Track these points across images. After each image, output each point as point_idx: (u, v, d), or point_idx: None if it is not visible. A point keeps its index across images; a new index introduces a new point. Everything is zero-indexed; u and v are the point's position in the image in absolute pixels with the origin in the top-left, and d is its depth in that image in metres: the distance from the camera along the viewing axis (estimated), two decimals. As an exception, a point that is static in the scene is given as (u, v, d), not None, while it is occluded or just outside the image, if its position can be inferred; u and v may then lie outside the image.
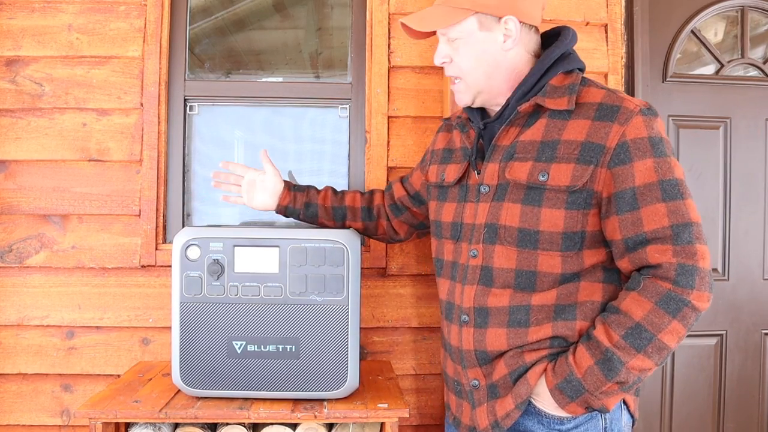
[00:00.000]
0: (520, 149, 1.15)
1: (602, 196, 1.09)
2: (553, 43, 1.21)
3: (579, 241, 1.11)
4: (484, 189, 1.19)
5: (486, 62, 1.18)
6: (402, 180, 1.56)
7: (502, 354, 1.16)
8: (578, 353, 1.09)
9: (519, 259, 1.13)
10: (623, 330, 1.05)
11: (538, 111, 1.17)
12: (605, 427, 1.14)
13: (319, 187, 1.57)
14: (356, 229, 1.57)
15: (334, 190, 1.57)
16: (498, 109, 1.23)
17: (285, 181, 1.53)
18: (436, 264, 1.35)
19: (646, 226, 1.05)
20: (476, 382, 1.20)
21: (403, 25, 1.25)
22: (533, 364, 1.13)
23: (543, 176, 1.11)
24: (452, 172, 1.29)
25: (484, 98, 1.23)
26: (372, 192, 1.60)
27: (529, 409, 1.14)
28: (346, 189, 1.62)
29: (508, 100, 1.20)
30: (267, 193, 1.51)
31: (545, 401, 1.13)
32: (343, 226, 1.55)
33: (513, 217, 1.13)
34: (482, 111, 1.28)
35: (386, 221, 1.57)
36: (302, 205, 1.51)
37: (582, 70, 1.20)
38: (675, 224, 1.04)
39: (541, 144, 1.13)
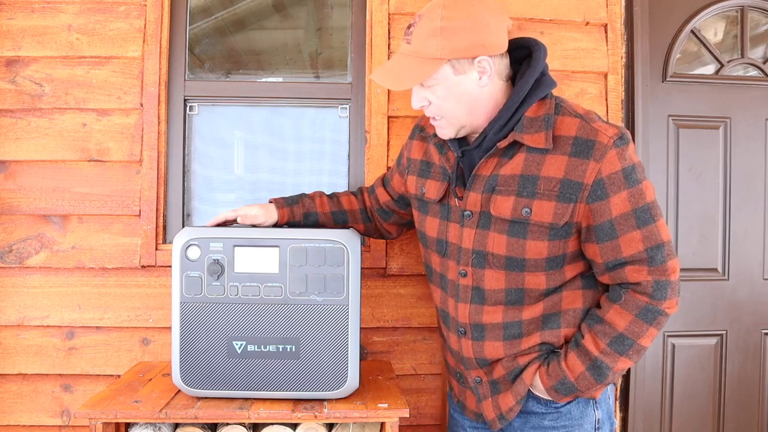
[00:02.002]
0: (501, 182, 1.20)
1: (582, 225, 1.18)
2: (522, 56, 1.24)
3: (561, 261, 1.22)
4: (468, 214, 1.25)
5: (465, 101, 1.20)
6: (384, 183, 1.59)
7: (499, 359, 1.29)
8: (570, 360, 1.22)
9: (507, 280, 1.23)
10: (608, 339, 1.18)
11: (515, 143, 1.20)
12: (594, 398, 1.28)
13: (308, 192, 1.59)
14: (358, 231, 1.58)
15: (327, 195, 1.59)
16: (474, 137, 1.27)
17: (273, 200, 1.53)
18: (426, 269, 1.43)
19: (624, 252, 1.15)
20: (479, 379, 1.33)
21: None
22: (526, 366, 1.27)
23: (526, 212, 1.18)
24: (432, 189, 1.34)
25: (467, 130, 1.25)
26: (361, 192, 1.63)
27: (528, 393, 1.28)
28: (336, 191, 1.63)
29: (485, 131, 1.22)
30: (262, 223, 1.49)
31: (540, 393, 1.27)
32: (345, 227, 1.56)
33: (500, 246, 1.21)
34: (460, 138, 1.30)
35: (378, 223, 1.61)
36: (301, 216, 1.53)
37: (554, 87, 1.22)
38: (649, 248, 1.14)
39: (522, 178, 1.19)
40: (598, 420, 1.29)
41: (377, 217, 1.60)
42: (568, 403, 1.27)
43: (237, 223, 1.48)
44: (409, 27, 1.21)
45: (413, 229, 1.60)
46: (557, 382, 1.22)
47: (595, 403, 1.28)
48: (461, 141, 1.30)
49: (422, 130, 1.44)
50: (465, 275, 1.27)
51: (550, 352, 1.26)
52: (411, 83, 1.19)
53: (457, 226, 1.27)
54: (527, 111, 1.19)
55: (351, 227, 1.57)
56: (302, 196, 1.57)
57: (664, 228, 1.16)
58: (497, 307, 1.25)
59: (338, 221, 1.57)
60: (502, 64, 1.22)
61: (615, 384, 1.35)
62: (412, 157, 1.44)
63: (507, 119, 1.20)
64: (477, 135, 1.26)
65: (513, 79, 1.25)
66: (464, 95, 1.19)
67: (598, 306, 1.25)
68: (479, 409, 1.35)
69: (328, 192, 1.61)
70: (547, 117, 1.18)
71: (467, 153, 1.27)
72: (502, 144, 1.19)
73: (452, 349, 1.36)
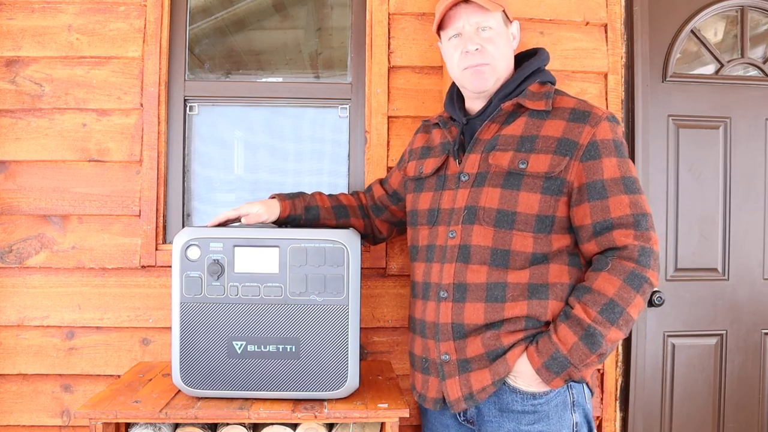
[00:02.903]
0: (502, 142, 1.30)
1: (573, 185, 1.25)
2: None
3: (549, 224, 1.26)
4: (464, 177, 1.32)
5: (508, 53, 1.37)
6: (381, 181, 1.65)
7: (477, 330, 1.26)
8: (561, 331, 1.21)
9: (495, 238, 1.26)
10: (599, 306, 1.19)
11: (517, 110, 1.33)
12: (572, 401, 1.27)
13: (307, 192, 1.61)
14: (357, 227, 1.60)
15: (325, 194, 1.62)
16: (479, 108, 1.38)
17: (275, 195, 1.54)
18: (411, 251, 1.44)
19: (612, 213, 1.22)
20: (447, 356, 1.29)
21: (452, 5, 1.33)
22: (511, 347, 1.25)
23: (523, 164, 1.26)
24: (430, 165, 1.41)
25: (497, 86, 1.36)
26: (357, 193, 1.67)
27: (503, 387, 1.26)
28: (333, 192, 1.65)
29: (490, 99, 1.36)
30: (263, 219, 1.51)
31: (526, 379, 1.24)
32: (345, 225, 1.57)
33: (492, 199, 1.27)
34: (463, 109, 1.42)
35: (371, 220, 1.64)
36: (302, 209, 1.54)
37: (553, 84, 1.38)
38: (635, 213, 1.22)
39: (521, 138, 1.29)
40: (576, 424, 1.27)
41: (371, 214, 1.63)
42: (548, 402, 1.24)
43: (240, 222, 1.48)
44: None
45: (404, 234, 1.62)
46: (548, 358, 1.20)
47: (574, 405, 1.26)
48: (465, 111, 1.42)
49: (426, 121, 1.54)
50: (454, 236, 1.30)
51: (536, 333, 1.25)
52: (485, 4, 1.31)
53: (452, 191, 1.33)
54: (530, 87, 1.34)
55: (351, 223, 1.59)
56: (302, 192, 1.58)
57: (647, 204, 1.25)
58: (482, 267, 1.26)
59: (339, 216, 1.58)
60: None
61: (592, 392, 1.32)
62: (414, 148, 1.53)
63: (512, 90, 1.34)
64: (481, 107, 1.37)
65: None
66: (507, 47, 1.36)
67: (583, 281, 1.26)
68: (440, 391, 1.31)
69: (326, 193, 1.63)
70: (548, 92, 1.33)
71: (471, 122, 1.38)
72: (506, 106, 1.31)
73: (426, 323, 1.33)
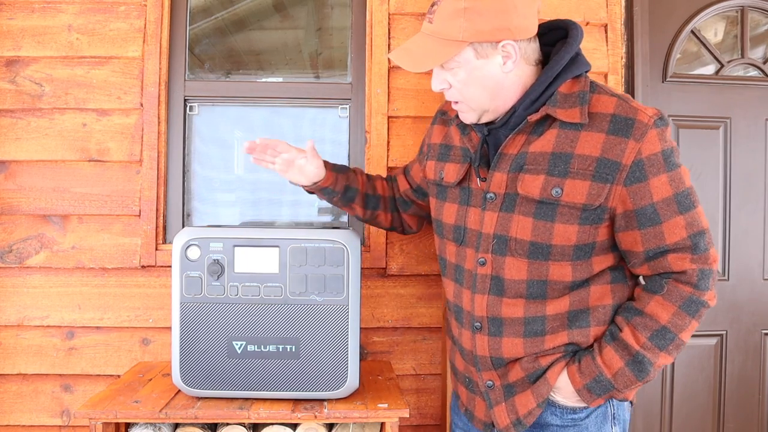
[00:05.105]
0: (530, 160, 1.13)
1: (617, 211, 1.11)
2: (556, 38, 1.19)
3: (589, 251, 1.13)
4: (491, 197, 1.17)
5: (488, 86, 1.14)
6: (405, 172, 1.52)
7: (517, 359, 1.19)
8: (606, 354, 1.13)
9: (530, 270, 1.14)
10: (649, 332, 1.10)
11: (546, 118, 1.14)
12: (613, 414, 1.20)
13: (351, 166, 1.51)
14: (382, 221, 1.52)
15: (366, 174, 1.50)
16: (503, 114, 1.18)
17: (325, 162, 1.41)
18: (440, 262, 1.34)
19: (667, 239, 1.09)
20: (491, 383, 1.22)
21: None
22: (550, 365, 1.17)
23: (556, 192, 1.10)
24: (452, 172, 1.26)
25: (490, 116, 1.18)
26: (390, 179, 1.55)
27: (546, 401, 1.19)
28: (370, 173, 1.55)
29: (514, 106, 1.16)
30: (304, 176, 1.38)
31: (565, 396, 1.17)
32: (372, 215, 1.49)
33: (524, 230, 1.13)
34: None
35: (399, 214, 1.54)
36: (342, 188, 1.42)
37: (588, 69, 1.17)
38: (692, 234, 1.09)
39: (553, 156, 1.11)
40: None
41: (399, 208, 1.53)
42: (587, 416, 1.18)
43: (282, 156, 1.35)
44: (432, 5, 1.13)
45: (426, 222, 1.55)
46: (591, 380, 1.12)
47: (614, 419, 1.20)
48: None
49: (444, 113, 1.37)
50: (484, 264, 1.17)
51: (575, 351, 1.17)
52: (429, 65, 1.13)
53: (478, 210, 1.19)
54: (561, 87, 1.13)
55: (377, 216, 1.50)
56: (348, 168, 1.46)
57: (704, 215, 1.11)
58: (518, 300, 1.15)
59: (368, 205, 1.47)
60: (530, 49, 1.15)
61: (632, 403, 1.25)
62: (432, 142, 1.38)
63: (539, 94, 1.13)
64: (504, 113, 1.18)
65: (545, 63, 1.18)
66: (486, 80, 1.13)
67: (632, 299, 1.17)
68: (489, 417, 1.24)
69: (367, 173, 1.53)
70: (582, 93, 1.12)
71: (493, 131, 1.19)
72: (534, 117, 1.12)
73: (464, 348, 1.25)
